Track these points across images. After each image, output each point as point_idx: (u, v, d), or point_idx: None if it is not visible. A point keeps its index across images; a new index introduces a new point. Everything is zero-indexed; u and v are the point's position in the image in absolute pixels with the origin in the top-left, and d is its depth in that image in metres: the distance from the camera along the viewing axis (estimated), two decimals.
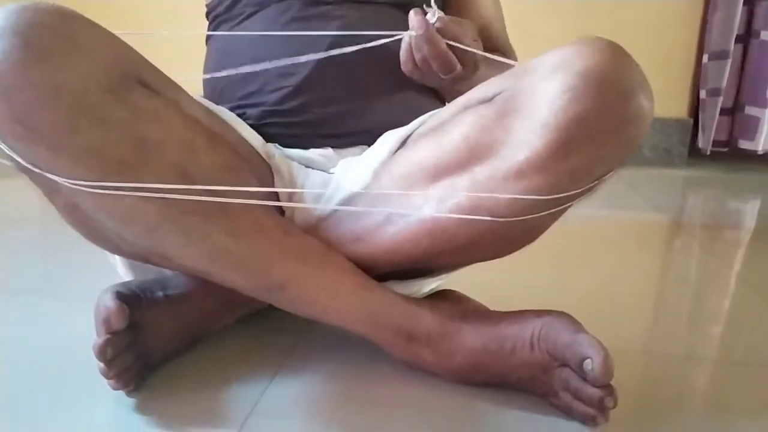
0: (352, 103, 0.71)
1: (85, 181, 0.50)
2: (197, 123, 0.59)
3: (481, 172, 0.56)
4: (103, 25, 0.54)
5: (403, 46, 0.68)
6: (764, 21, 1.78)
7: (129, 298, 0.58)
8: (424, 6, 0.67)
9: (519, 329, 0.58)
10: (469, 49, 0.66)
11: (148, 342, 0.60)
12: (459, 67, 0.67)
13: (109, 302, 0.55)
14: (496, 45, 0.86)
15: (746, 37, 1.82)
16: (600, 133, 0.52)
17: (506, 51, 0.88)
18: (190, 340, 0.66)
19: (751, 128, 1.86)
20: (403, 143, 0.68)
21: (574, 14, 1.85)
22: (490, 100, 0.58)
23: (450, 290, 0.68)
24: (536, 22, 1.79)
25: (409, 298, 0.63)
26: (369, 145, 0.71)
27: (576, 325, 0.56)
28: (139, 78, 0.55)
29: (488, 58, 0.69)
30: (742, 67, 1.86)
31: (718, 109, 1.85)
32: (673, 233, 1.29)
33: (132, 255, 0.60)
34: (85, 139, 0.50)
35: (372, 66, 0.68)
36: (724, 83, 1.82)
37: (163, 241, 0.55)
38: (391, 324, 0.61)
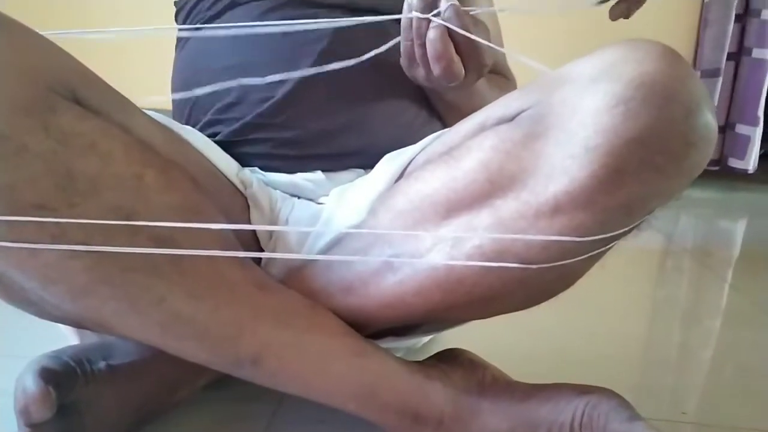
0: (349, 115, 0.60)
1: None
2: (149, 151, 0.46)
3: (506, 207, 0.44)
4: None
5: (403, 31, 0.56)
6: (756, 38, 1.73)
7: (59, 376, 0.45)
8: None
9: (555, 410, 0.47)
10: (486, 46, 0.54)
11: (88, 428, 0.47)
12: (463, 75, 0.56)
13: (30, 385, 0.43)
14: (495, 68, 0.75)
15: (738, 54, 1.78)
16: (661, 158, 0.41)
17: (506, 75, 0.78)
18: (142, 419, 0.53)
19: (742, 147, 1.81)
20: (405, 170, 0.57)
21: (562, 32, 1.78)
22: (512, 119, 0.47)
23: (460, 350, 0.56)
24: (521, 34, 1.71)
25: (413, 366, 0.51)
26: (365, 168, 0.61)
27: (629, 410, 0.46)
28: (72, 94, 0.43)
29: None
30: (733, 85, 1.80)
31: None
32: (666, 257, 1.24)
33: (61, 320, 0.48)
34: None
35: (372, 72, 0.57)
36: (716, 101, 1.76)
37: (97, 308, 0.43)
38: (393, 401, 0.49)
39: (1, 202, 0.38)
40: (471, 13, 0.55)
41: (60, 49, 0.44)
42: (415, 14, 0.53)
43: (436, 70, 0.54)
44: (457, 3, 0.53)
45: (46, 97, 0.40)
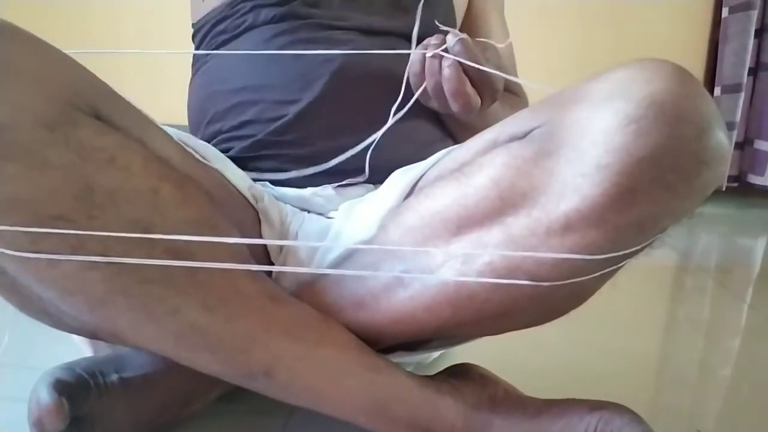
0: (360, 135, 0.60)
1: (7, 239, 0.39)
2: (165, 166, 0.47)
3: (517, 225, 0.44)
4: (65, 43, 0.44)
5: (413, 65, 0.57)
6: None
7: (72, 388, 0.46)
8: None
9: (568, 426, 0.46)
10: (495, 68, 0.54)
11: None
12: (479, 107, 0.56)
13: (44, 397, 0.43)
14: (505, 86, 0.76)
15: (755, 69, 1.76)
16: (673, 176, 0.41)
17: (517, 93, 0.78)
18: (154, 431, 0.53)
19: (761, 163, 1.79)
20: (416, 185, 0.57)
21: (576, 47, 1.79)
22: (523, 136, 0.47)
23: (471, 365, 0.55)
24: (535, 51, 1.71)
25: (424, 381, 0.51)
26: (375, 184, 0.61)
27: (642, 426, 0.45)
28: (93, 110, 0.44)
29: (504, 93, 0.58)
30: (751, 101, 1.79)
31: (733, 144, 1.77)
32: (683, 274, 1.23)
33: (77, 331, 0.48)
34: (13, 189, 0.38)
35: (383, 94, 0.58)
36: (738, 117, 1.74)
37: (113, 318, 0.43)
38: (403, 416, 0.49)
39: (22, 214, 0.39)
40: (479, 39, 0.55)
41: (81, 66, 0.45)
42: (428, 52, 0.54)
43: (454, 107, 0.55)
44: (465, 36, 0.53)
45: (67, 112, 0.41)
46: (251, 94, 0.63)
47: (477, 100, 0.54)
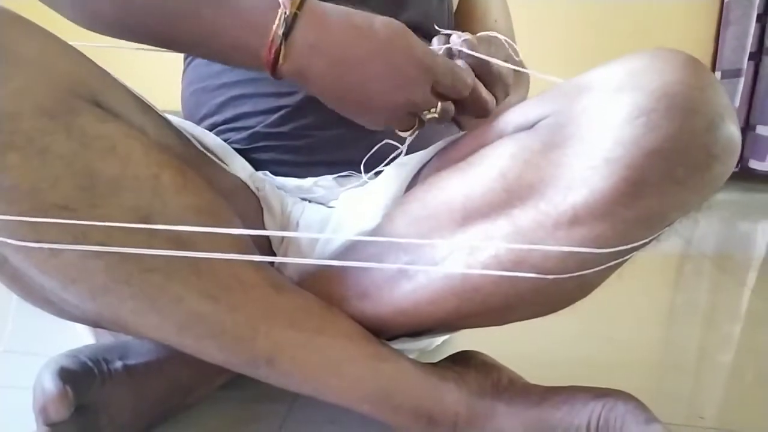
0: (360, 127, 0.59)
1: (9, 229, 0.39)
2: (166, 153, 0.46)
3: (524, 217, 0.44)
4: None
5: None
6: None
7: (77, 376, 0.46)
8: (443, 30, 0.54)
9: (571, 413, 0.46)
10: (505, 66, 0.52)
11: (104, 427, 0.48)
12: (494, 106, 0.54)
13: (48, 385, 0.43)
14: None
15: (758, 54, 1.75)
16: (683, 170, 0.40)
17: (519, 72, 0.76)
18: (157, 419, 0.53)
19: (762, 148, 1.78)
20: (417, 174, 0.56)
21: (580, 32, 1.77)
22: (531, 126, 0.46)
23: (474, 352, 0.56)
24: (534, 36, 1.70)
25: (428, 368, 0.51)
26: (375, 175, 0.61)
27: (646, 413, 0.45)
28: (93, 98, 0.43)
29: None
30: (753, 86, 1.78)
31: None
32: (684, 260, 1.22)
33: (79, 319, 0.48)
34: (15, 177, 0.38)
35: None
36: (737, 102, 1.74)
37: (116, 307, 0.43)
38: (407, 403, 0.49)
39: (24, 203, 0.38)
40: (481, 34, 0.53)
41: (81, 54, 0.44)
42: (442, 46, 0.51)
43: (474, 113, 0.52)
44: (469, 35, 0.51)
45: (68, 99, 0.41)
46: (245, 87, 0.62)
47: (493, 100, 0.52)
